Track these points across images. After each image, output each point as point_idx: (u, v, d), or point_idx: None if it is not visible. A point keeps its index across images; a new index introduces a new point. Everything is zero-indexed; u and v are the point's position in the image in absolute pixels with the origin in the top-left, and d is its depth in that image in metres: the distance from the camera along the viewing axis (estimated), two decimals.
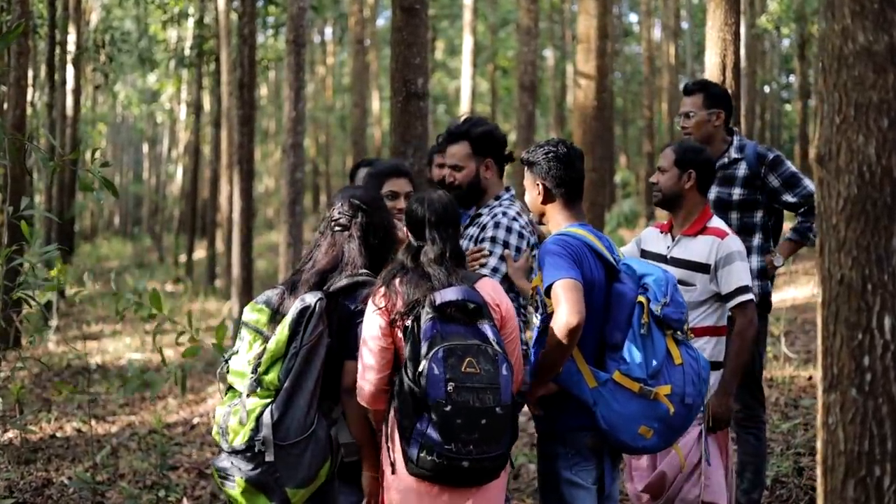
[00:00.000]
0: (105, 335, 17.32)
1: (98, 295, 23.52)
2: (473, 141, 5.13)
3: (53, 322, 15.74)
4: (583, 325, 4.07)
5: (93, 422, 10.16)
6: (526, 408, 4.66)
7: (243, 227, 14.85)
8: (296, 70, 11.07)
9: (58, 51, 20.72)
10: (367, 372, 4.15)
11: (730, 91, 8.07)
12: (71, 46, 22.45)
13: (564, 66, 41.28)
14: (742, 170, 5.87)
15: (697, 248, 5.17)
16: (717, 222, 5.26)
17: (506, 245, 4.88)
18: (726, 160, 5.92)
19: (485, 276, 4.35)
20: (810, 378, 9.95)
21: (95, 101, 38.51)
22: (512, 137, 22.29)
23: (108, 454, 8.88)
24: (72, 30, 22.49)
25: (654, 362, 4.23)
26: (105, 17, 29.67)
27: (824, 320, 2.87)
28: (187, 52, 25.69)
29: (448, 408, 3.84)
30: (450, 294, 4.01)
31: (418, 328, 3.99)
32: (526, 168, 4.60)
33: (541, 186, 4.53)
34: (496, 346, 3.96)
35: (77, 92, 23.68)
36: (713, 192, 5.88)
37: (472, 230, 5.05)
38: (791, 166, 5.84)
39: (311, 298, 4.28)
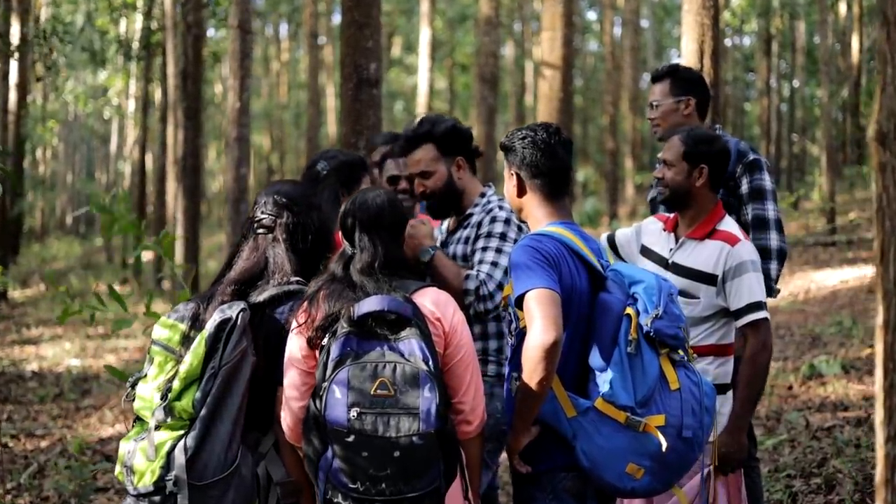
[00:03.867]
0: (45, 340, 16.57)
1: (42, 297, 22.86)
2: (438, 141, 4.59)
3: None
4: (561, 344, 3.44)
5: (21, 436, 9.44)
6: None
7: (188, 226, 14.07)
8: (241, 58, 10.36)
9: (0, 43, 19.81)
10: (289, 400, 3.61)
11: (708, 78, 7.54)
12: (15, 39, 21.54)
13: (524, 62, 40.94)
14: None
15: (703, 255, 4.48)
16: (728, 225, 4.55)
17: (504, 238, 4.36)
18: None
19: (430, 285, 3.75)
20: (790, 388, 9.41)
21: (46, 97, 37.66)
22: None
23: (34, 474, 8.26)
24: (15, 21, 21.59)
25: (644, 387, 3.57)
26: (56, 13, 28.84)
27: (888, 348, 2.18)
28: (135, 45, 24.87)
29: (350, 438, 3.32)
30: (367, 305, 3.45)
31: (333, 345, 3.45)
32: (504, 155, 3.99)
33: (515, 176, 3.89)
34: (420, 363, 3.36)
35: (22, 86, 22.79)
36: None
37: (466, 232, 4.55)
38: (767, 181, 5.07)
39: (232, 310, 3.67)
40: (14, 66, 22.12)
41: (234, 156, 10.63)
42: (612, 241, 5.02)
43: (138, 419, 3.79)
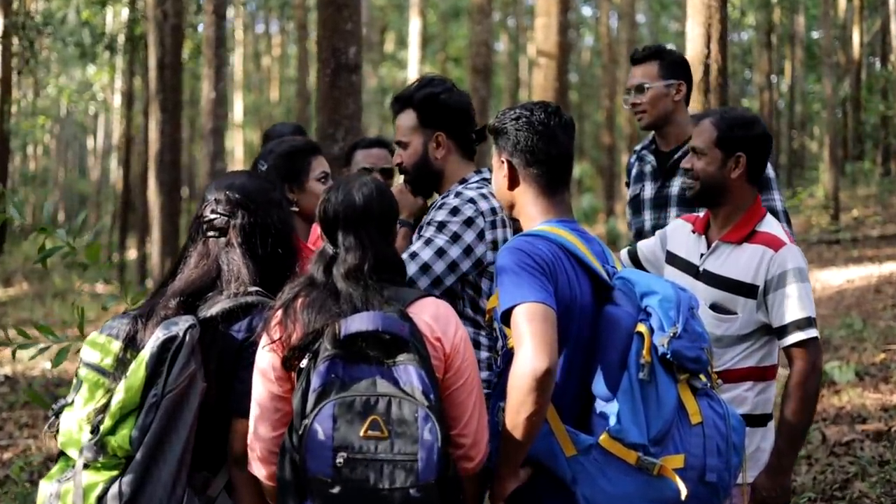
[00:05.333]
0: (23, 342, 15.98)
1: (24, 296, 22.42)
2: (418, 108, 3.93)
3: None
4: (556, 372, 2.86)
5: None
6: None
7: (164, 224, 13.46)
8: (216, 45, 9.80)
9: None
10: (257, 431, 3.03)
11: (716, 65, 7.05)
12: None
13: (518, 57, 40.62)
14: None
15: (741, 262, 3.83)
16: (770, 225, 3.89)
17: (441, 228, 3.70)
18: None
19: (429, 295, 3.13)
20: None
21: (37, 93, 37.17)
22: None
23: None
24: None
25: (660, 421, 2.96)
26: (46, 8, 28.35)
27: None
28: (121, 38, 24.34)
29: (336, 489, 2.75)
30: (357, 323, 2.83)
31: (314, 370, 2.83)
32: (493, 140, 3.37)
33: (506, 164, 3.26)
34: (420, 397, 2.77)
35: (6, 81, 22.21)
36: (675, 185, 4.79)
37: (426, 218, 3.91)
38: (770, 169, 4.64)
39: (178, 326, 3.07)
40: None
41: (209, 149, 10.08)
42: (634, 257, 4.40)
43: (62, 454, 3.19)
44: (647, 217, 4.91)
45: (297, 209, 4.12)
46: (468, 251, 3.69)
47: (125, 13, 24.33)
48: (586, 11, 47.20)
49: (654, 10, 41.90)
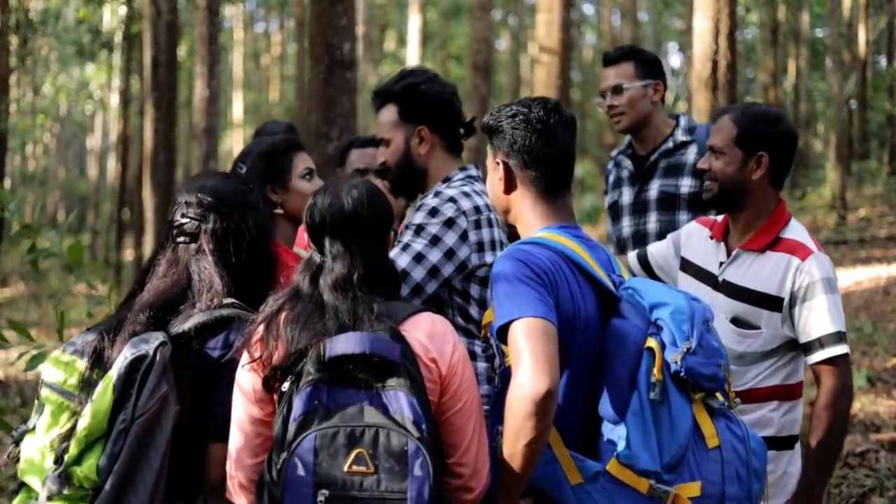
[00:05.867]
0: (17, 344, 15.72)
1: (21, 297, 22.27)
2: (398, 101, 3.65)
3: None
4: (557, 393, 2.59)
5: None
6: None
7: (158, 225, 13.19)
8: (209, 42, 9.58)
9: None
10: (238, 457, 2.81)
11: (725, 62, 6.83)
12: None
13: (519, 55, 40.50)
14: (692, 155, 4.59)
15: (765, 272, 3.55)
16: (795, 231, 3.62)
17: (419, 231, 3.43)
18: (671, 145, 4.67)
19: (425, 310, 2.87)
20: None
21: (36, 92, 37.06)
22: None
23: None
24: None
25: (674, 445, 2.71)
26: (46, 7, 28.23)
27: None
28: (118, 37, 24.18)
29: None
30: (343, 345, 2.56)
31: (296, 395, 2.58)
32: (488, 139, 3.11)
33: (502, 166, 3.00)
34: (411, 428, 2.51)
35: (4, 79, 22.00)
36: (653, 189, 4.62)
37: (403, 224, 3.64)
38: None
39: (148, 345, 2.84)
40: None
41: (202, 149, 9.84)
42: (644, 262, 4.15)
43: (23, 486, 2.97)
44: (626, 223, 4.77)
45: (281, 211, 3.85)
46: (450, 254, 3.41)
47: (122, 11, 24.19)
48: (588, 9, 47.13)
49: (658, 8, 41.76)
